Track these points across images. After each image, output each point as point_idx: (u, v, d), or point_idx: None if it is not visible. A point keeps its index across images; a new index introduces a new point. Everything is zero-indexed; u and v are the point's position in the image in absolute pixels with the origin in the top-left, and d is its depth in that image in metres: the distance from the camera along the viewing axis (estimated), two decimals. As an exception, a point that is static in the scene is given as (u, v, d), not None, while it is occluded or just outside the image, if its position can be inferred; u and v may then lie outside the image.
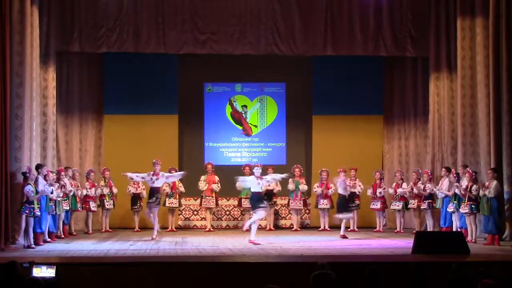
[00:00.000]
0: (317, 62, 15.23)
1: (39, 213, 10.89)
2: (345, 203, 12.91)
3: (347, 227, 14.18)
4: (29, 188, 10.65)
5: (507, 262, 8.58)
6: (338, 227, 14.42)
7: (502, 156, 11.77)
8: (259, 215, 11.66)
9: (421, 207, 13.34)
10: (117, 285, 7.66)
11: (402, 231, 13.73)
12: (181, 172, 13.32)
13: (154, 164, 12.62)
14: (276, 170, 13.87)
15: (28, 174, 10.76)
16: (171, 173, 13.60)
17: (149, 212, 12.47)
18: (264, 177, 11.84)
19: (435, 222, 13.27)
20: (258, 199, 11.73)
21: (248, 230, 11.79)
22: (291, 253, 9.83)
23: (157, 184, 12.54)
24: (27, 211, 10.65)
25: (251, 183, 11.76)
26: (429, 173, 13.48)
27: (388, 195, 14.05)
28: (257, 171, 11.74)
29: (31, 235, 10.83)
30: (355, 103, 15.36)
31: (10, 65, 10.85)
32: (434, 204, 13.07)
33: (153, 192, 12.46)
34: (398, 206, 13.89)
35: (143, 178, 12.61)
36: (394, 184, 14.02)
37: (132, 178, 12.75)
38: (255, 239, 11.27)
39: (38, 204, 10.86)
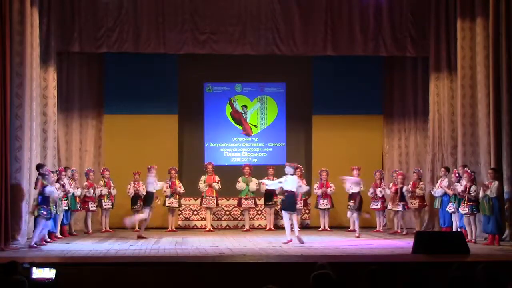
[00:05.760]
0: (317, 62, 15.23)
1: (55, 212, 11.15)
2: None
3: (347, 227, 14.18)
4: (50, 189, 10.74)
5: (507, 262, 8.58)
6: (338, 227, 14.46)
7: (502, 156, 11.75)
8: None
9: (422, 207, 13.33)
10: (117, 285, 7.65)
11: (399, 231, 13.72)
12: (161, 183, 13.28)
13: (150, 169, 12.74)
14: (276, 170, 13.90)
15: (47, 176, 10.79)
16: (170, 173, 13.71)
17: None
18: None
19: (435, 222, 13.26)
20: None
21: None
22: (291, 253, 9.82)
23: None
24: (44, 213, 10.65)
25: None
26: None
27: (387, 195, 14.02)
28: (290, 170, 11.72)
29: (42, 235, 10.97)
30: (355, 103, 15.38)
31: (10, 65, 10.83)
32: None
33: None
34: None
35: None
36: (392, 184, 13.98)
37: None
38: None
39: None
